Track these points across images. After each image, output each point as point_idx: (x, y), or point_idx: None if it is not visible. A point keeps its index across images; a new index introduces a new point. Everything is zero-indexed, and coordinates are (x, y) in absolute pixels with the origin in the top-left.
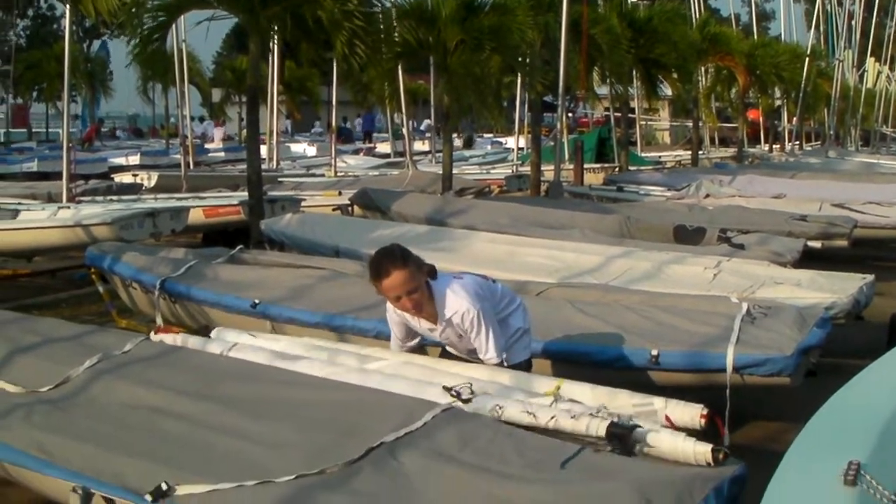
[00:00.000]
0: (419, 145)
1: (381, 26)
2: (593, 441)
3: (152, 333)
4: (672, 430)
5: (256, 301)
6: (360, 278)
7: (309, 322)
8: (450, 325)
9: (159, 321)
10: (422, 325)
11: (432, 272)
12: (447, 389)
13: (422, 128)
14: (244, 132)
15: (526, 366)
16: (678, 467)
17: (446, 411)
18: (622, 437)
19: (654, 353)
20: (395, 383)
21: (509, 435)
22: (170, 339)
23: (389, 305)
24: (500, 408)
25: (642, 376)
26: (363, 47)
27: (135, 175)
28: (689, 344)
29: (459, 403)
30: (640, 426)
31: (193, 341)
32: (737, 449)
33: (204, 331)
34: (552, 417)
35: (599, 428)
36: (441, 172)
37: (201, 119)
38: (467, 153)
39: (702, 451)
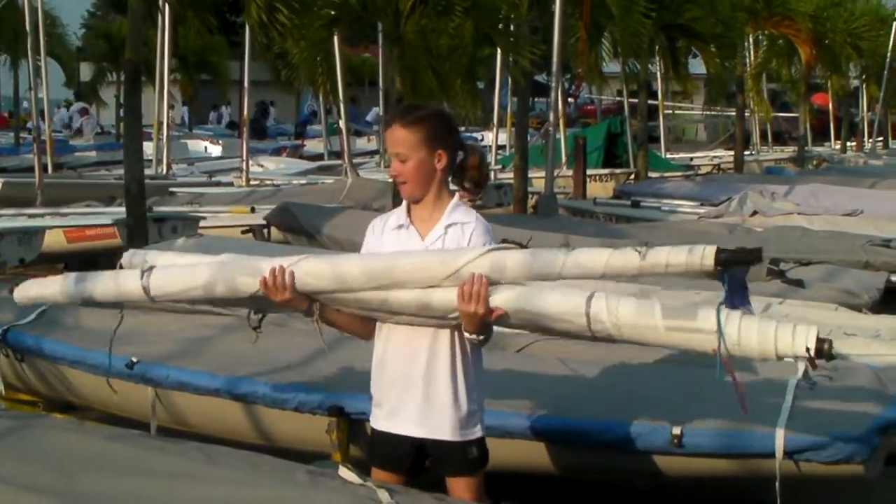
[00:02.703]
0: (363, 143)
1: None
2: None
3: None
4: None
5: (134, 360)
6: (277, 327)
7: (206, 388)
8: (442, 240)
9: (0, 387)
10: (403, 242)
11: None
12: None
13: (368, 119)
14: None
15: None
16: None
17: None
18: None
19: (677, 431)
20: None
21: None
22: (39, 284)
23: (374, 224)
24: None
25: (660, 463)
26: (286, 12)
27: None
28: (723, 420)
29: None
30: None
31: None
32: None
33: (58, 401)
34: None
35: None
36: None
37: (68, 104)
38: None
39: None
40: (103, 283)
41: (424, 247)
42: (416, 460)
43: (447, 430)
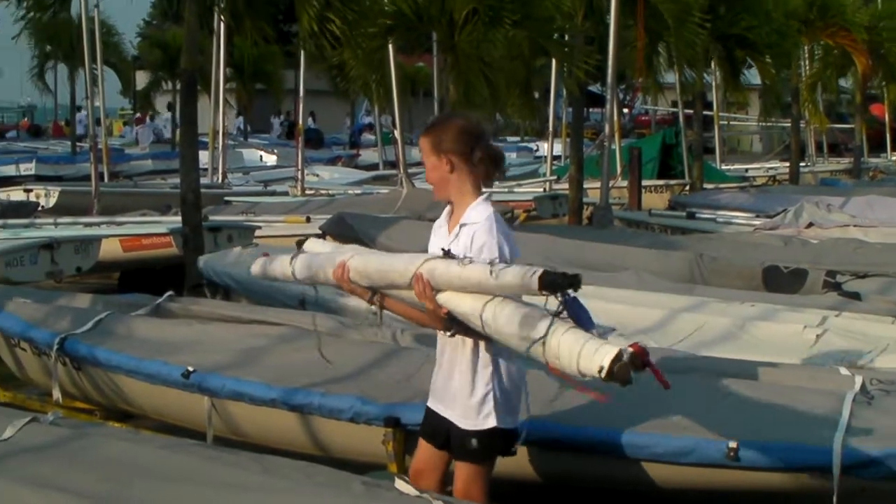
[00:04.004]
0: (418, 152)
1: None
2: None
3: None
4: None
5: (190, 369)
6: (334, 338)
7: (262, 399)
8: (457, 239)
9: (56, 394)
10: (438, 238)
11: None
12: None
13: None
14: (178, 132)
15: None
16: None
17: None
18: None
19: (733, 445)
20: None
21: None
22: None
23: (434, 223)
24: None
25: (715, 476)
26: (339, 22)
27: (28, 190)
28: (780, 433)
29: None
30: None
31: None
32: None
33: (114, 410)
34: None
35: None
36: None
37: (137, 112)
38: None
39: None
40: (279, 265)
41: (448, 243)
42: (449, 438)
43: (457, 416)
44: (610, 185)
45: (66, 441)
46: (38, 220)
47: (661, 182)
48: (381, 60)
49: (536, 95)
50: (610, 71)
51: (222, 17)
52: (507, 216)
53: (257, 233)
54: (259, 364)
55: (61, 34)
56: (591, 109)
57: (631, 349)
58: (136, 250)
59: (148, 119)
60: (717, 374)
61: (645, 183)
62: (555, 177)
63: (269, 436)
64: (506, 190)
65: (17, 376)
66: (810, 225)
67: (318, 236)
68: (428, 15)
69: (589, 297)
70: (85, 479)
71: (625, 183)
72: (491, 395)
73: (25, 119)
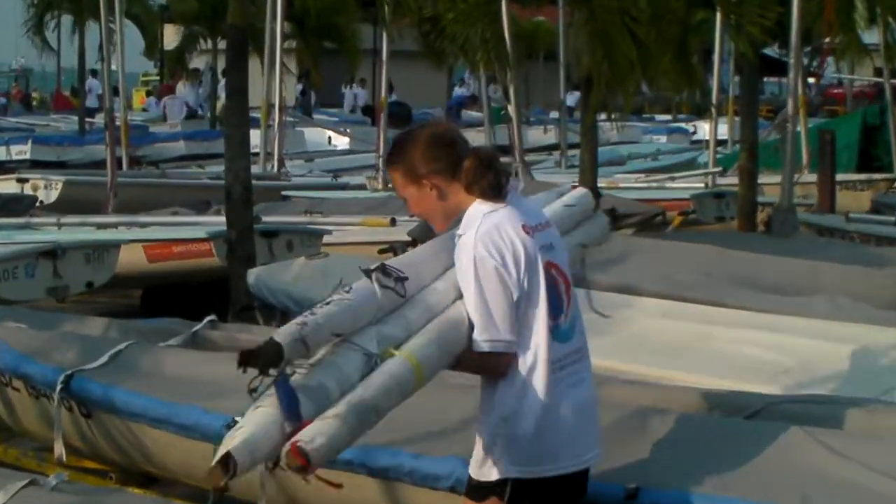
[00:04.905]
0: (538, 134)
1: None
2: None
3: None
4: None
5: (236, 419)
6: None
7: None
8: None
9: (59, 449)
10: None
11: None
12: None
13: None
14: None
15: None
16: None
17: None
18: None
19: None
20: None
21: None
22: None
23: None
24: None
25: None
26: None
27: (22, 180)
28: None
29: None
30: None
31: None
32: None
33: (135, 472)
34: None
35: None
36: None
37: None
38: (624, 150)
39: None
40: None
41: None
42: None
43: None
44: (794, 179)
45: None
46: (35, 220)
47: (861, 176)
48: (491, 15)
49: (695, 60)
50: (794, 27)
51: None
52: (657, 219)
53: (325, 239)
54: None
55: None
56: (766, 79)
57: (288, 447)
58: (164, 260)
59: (180, 86)
60: None
61: (840, 177)
62: (719, 168)
63: None
64: (656, 185)
65: (10, 426)
66: None
67: (406, 244)
68: None
69: (765, 329)
70: None
71: (813, 177)
72: (495, 444)
73: (17, 86)
